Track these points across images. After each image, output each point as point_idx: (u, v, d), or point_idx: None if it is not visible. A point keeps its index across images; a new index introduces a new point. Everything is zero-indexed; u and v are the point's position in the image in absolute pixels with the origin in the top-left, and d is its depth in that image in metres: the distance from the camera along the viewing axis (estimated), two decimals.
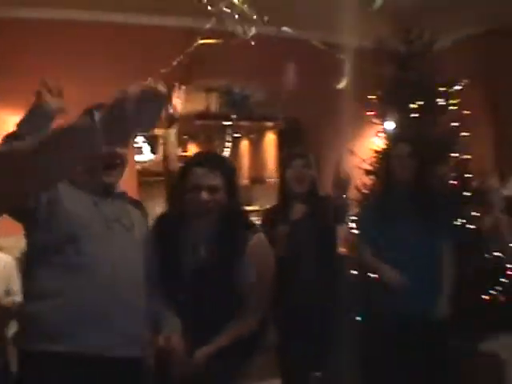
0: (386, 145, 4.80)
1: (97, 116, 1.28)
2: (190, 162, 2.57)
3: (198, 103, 5.64)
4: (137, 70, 4.42)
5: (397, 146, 3.87)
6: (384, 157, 4.52)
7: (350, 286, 4.49)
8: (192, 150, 6.35)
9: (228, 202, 2.49)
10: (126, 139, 1.40)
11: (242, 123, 5.76)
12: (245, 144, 7.21)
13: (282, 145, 6.08)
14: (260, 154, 6.92)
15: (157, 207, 4.70)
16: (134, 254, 2.27)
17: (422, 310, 3.56)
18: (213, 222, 2.53)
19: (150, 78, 1.31)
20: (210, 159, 2.59)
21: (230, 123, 5.49)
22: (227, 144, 5.46)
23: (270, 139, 6.17)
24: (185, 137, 7.22)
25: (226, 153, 5.37)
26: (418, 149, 3.82)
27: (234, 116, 5.16)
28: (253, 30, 3.37)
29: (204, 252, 2.53)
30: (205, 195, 2.42)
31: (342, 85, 3.56)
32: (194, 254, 2.55)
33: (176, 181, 2.60)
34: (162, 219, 2.71)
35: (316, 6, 4.50)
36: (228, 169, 2.56)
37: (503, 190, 2.41)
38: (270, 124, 6.06)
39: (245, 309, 2.53)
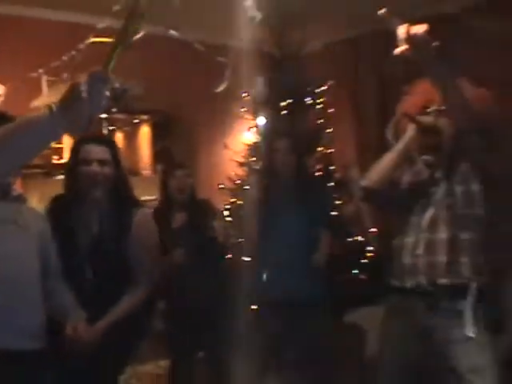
0: (263, 139, 5.07)
1: (55, 107, 1.39)
2: (81, 140, 2.77)
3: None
4: (26, 63, 4.47)
5: (277, 141, 4.15)
6: (263, 151, 4.77)
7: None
8: (66, 141, 6.32)
9: (115, 174, 2.74)
10: (84, 125, 1.57)
11: (118, 116, 5.77)
12: (119, 136, 7.31)
13: (155, 138, 6.23)
14: (134, 147, 7.03)
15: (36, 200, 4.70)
16: (29, 252, 2.42)
17: (300, 292, 3.85)
18: (102, 198, 2.74)
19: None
20: (97, 137, 2.89)
21: (106, 116, 5.54)
22: None
23: (145, 132, 6.30)
24: None
25: None
26: (295, 143, 4.13)
27: (115, 109, 5.25)
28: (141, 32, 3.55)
29: (95, 229, 2.75)
30: (95, 167, 2.67)
31: (221, 88, 3.85)
32: (87, 231, 2.75)
33: (69, 158, 2.82)
34: (54, 202, 2.89)
35: (202, 10, 4.70)
36: (113, 145, 2.84)
37: (362, 181, 2.75)
38: (144, 117, 6.14)
39: (135, 281, 2.75)
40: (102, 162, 2.70)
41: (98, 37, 3.64)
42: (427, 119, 2.59)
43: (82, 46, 3.70)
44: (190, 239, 3.88)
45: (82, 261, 2.71)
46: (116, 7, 3.72)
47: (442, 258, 2.53)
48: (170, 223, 3.89)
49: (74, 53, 3.75)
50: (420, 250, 2.57)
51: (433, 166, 2.67)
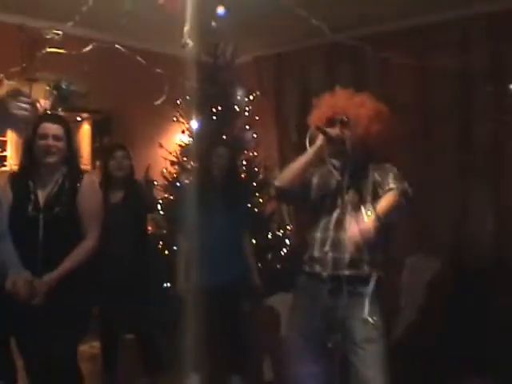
0: (195, 141, 5.42)
1: None
2: (40, 119, 3.22)
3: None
4: None
5: (213, 146, 4.42)
6: (196, 153, 5.13)
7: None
8: (9, 136, 6.44)
9: (67, 148, 3.17)
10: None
11: (61, 114, 5.96)
12: None
13: (95, 135, 6.45)
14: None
15: None
16: None
17: (227, 280, 4.14)
18: (55, 166, 3.16)
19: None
20: (53, 116, 3.48)
21: (50, 113, 5.76)
22: None
23: (85, 129, 6.56)
24: None
25: None
26: (229, 149, 4.43)
27: (60, 109, 5.49)
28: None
29: (50, 190, 3.15)
30: (50, 141, 3.10)
31: (160, 101, 4.19)
32: (43, 191, 3.15)
33: (28, 134, 3.19)
34: (15, 171, 3.38)
35: (143, 21, 5.04)
36: (66, 124, 3.25)
37: (275, 181, 2.98)
38: (85, 115, 6.33)
39: (84, 235, 3.18)
40: (56, 137, 3.12)
41: (53, 47, 3.96)
42: (333, 131, 2.84)
43: (39, 54, 3.97)
44: (125, 215, 4.16)
45: (36, 214, 3.09)
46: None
47: (345, 255, 2.78)
48: (110, 199, 4.14)
49: (23, 65, 4.05)
50: (327, 247, 2.83)
51: (339, 170, 2.92)
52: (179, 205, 4.85)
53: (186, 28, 3.50)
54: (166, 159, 5.80)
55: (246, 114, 5.74)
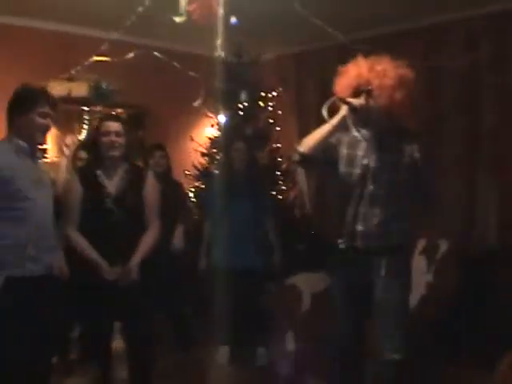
0: (222, 135, 5.76)
1: None
2: (102, 118, 3.66)
3: (60, 90, 6.22)
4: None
5: (234, 142, 4.77)
6: (222, 146, 5.48)
7: None
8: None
9: (127, 143, 3.49)
10: None
11: (96, 109, 6.05)
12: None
13: (128, 129, 6.78)
14: None
15: None
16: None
17: (250, 262, 4.51)
18: (119, 159, 3.47)
19: None
20: (114, 116, 3.90)
21: (87, 108, 6.17)
22: (85, 126, 6.11)
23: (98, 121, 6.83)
24: None
25: (84, 134, 6.01)
26: (250, 143, 4.78)
27: (99, 106, 5.89)
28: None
29: (118, 181, 3.47)
30: (113, 137, 3.43)
31: (197, 103, 4.53)
32: (111, 182, 3.45)
33: (92, 131, 3.58)
34: (82, 168, 3.83)
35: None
36: (125, 122, 3.61)
37: (298, 147, 2.93)
38: (119, 110, 6.55)
39: (149, 222, 3.54)
40: (117, 134, 3.44)
41: (99, 55, 4.31)
42: (357, 101, 2.85)
43: (86, 63, 4.27)
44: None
45: (110, 204, 3.42)
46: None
47: (376, 228, 2.89)
48: None
49: (78, 68, 4.42)
50: (359, 221, 2.91)
51: (368, 140, 2.96)
52: (206, 192, 5.26)
53: (219, 42, 3.83)
54: (196, 151, 6.20)
55: (270, 108, 6.06)
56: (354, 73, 2.91)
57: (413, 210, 3.00)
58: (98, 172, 3.48)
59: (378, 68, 2.88)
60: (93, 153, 3.64)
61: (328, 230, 3.22)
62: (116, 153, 3.46)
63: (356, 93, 2.88)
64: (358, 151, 2.98)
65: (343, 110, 2.85)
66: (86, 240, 3.41)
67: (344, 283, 3.05)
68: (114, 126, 3.47)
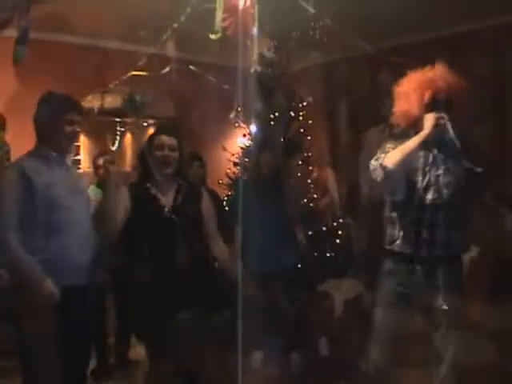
0: (254, 145, 5.80)
1: None
2: (156, 131, 3.44)
3: (94, 102, 6.40)
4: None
5: (262, 153, 4.83)
6: (253, 156, 5.42)
7: None
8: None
9: (180, 158, 3.33)
10: None
11: (128, 120, 6.40)
12: (128, 137, 8.19)
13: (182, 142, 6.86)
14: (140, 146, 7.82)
15: None
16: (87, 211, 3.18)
17: (281, 266, 4.53)
18: (172, 174, 3.30)
19: None
20: (168, 128, 3.52)
21: (119, 119, 6.34)
22: (117, 137, 6.25)
23: (151, 133, 7.03)
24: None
25: (116, 145, 6.15)
26: (278, 151, 4.88)
27: (133, 118, 6.04)
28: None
29: (171, 197, 3.30)
30: (167, 152, 3.25)
31: (232, 115, 4.60)
32: (166, 198, 3.28)
33: (146, 145, 3.38)
34: (131, 183, 3.44)
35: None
36: (180, 136, 3.37)
37: (383, 161, 2.88)
38: (151, 121, 6.80)
39: (210, 233, 3.44)
40: (171, 148, 3.26)
41: (137, 70, 4.45)
42: (441, 118, 2.76)
43: (124, 77, 4.41)
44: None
45: (169, 215, 3.23)
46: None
47: (440, 235, 2.88)
48: None
49: (117, 82, 4.56)
50: (423, 227, 2.89)
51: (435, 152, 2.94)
52: (236, 199, 5.07)
53: (254, 57, 3.91)
54: (229, 161, 6.32)
55: (301, 118, 6.12)
56: (431, 79, 2.82)
57: (466, 220, 3.00)
58: (151, 187, 3.31)
59: (452, 78, 2.82)
60: (143, 167, 3.39)
61: (373, 240, 3.29)
62: (170, 170, 3.30)
63: (433, 104, 2.82)
64: (422, 160, 2.97)
65: (427, 129, 2.81)
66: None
67: (394, 292, 3.03)
68: (168, 139, 3.29)
